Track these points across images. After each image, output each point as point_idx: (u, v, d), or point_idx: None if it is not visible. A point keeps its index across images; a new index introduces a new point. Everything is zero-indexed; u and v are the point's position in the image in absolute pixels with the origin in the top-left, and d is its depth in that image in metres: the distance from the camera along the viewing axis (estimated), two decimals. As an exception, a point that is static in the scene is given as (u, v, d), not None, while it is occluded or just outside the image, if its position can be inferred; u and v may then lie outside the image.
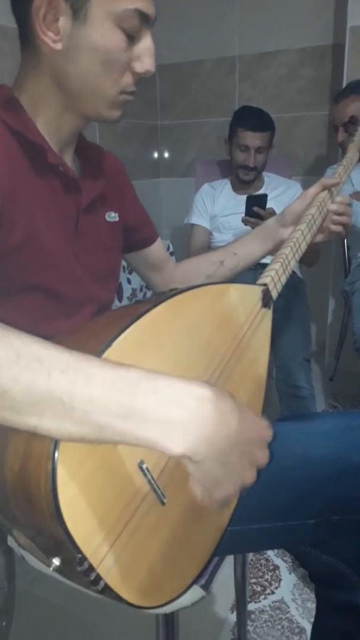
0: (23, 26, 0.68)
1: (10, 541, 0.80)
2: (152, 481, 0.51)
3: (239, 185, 2.15)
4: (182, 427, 0.44)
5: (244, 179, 2.08)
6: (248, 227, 1.84)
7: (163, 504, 0.53)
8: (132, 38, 0.67)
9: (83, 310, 0.79)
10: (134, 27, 0.66)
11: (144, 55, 0.69)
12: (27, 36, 0.68)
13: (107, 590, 0.48)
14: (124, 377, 0.44)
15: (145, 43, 0.69)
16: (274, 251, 0.95)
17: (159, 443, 0.44)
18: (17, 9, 0.68)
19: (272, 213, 1.81)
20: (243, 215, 1.82)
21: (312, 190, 0.94)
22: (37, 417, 0.42)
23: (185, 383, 0.45)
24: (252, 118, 2.00)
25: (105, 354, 0.48)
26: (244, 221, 1.82)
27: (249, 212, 1.80)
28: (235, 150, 2.05)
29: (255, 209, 1.78)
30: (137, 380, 0.44)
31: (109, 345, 0.49)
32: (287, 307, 1.81)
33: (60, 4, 0.63)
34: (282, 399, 1.75)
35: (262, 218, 1.77)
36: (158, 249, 1.01)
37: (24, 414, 0.42)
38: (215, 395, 0.46)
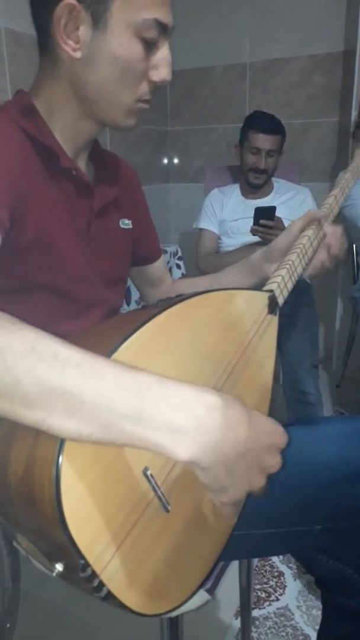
0: (42, 34, 0.69)
1: (16, 542, 0.80)
2: (157, 488, 0.51)
3: (248, 190, 2.16)
4: (190, 434, 0.44)
5: (254, 182, 2.09)
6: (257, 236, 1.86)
7: (167, 510, 0.53)
8: (150, 47, 0.68)
9: (92, 311, 0.80)
10: (152, 36, 0.67)
11: (161, 64, 0.70)
12: (46, 43, 0.69)
13: (110, 597, 0.48)
14: (135, 379, 0.44)
15: (163, 52, 0.69)
16: (259, 285, 0.90)
17: (166, 448, 0.44)
18: (37, 16, 0.69)
19: (280, 222, 1.83)
20: (252, 219, 1.83)
21: (298, 224, 0.89)
22: (46, 411, 0.42)
23: (196, 390, 0.45)
24: (264, 121, 2.03)
25: (112, 359, 0.48)
26: (253, 231, 1.84)
27: (257, 224, 1.81)
28: (246, 153, 2.07)
29: (263, 221, 1.79)
30: (149, 384, 0.44)
31: (114, 350, 0.49)
32: (295, 312, 1.81)
33: (81, 13, 0.64)
34: (289, 405, 1.75)
35: (271, 228, 1.79)
36: (159, 266, 1.01)
37: (34, 406, 0.42)
38: (225, 404, 0.46)
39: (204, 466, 0.45)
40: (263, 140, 2.01)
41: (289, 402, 1.74)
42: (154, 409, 0.43)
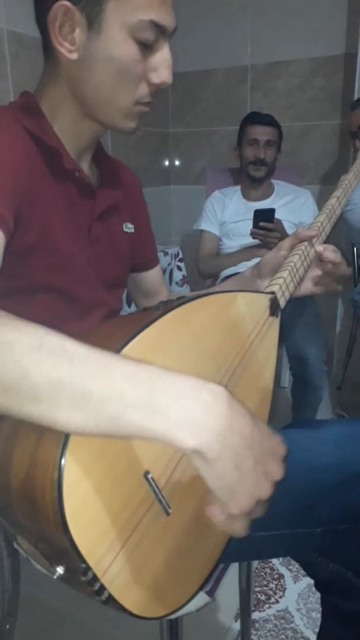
0: (44, 36, 0.69)
1: (16, 544, 0.80)
2: (158, 491, 0.51)
3: (249, 192, 2.17)
4: (197, 420, 0.43)
5: (255, 175, 2.10)
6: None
7: (168, 514, 0.53)
8: (148, 49, 0.67)
9: (94, 313, 0.80)
10: (148, 38, 0.66)
11: (161, 66, 0.69)
12: (47, 46, 0.69)
13: (110, 600, 0.48)
14: (143, 371, 0.44)
15: (162, 54, 0.68)
16: None
17: (173, 435, 0.43)
18: (38, 19, 0.69)
19: (280, 224, 1.83)
20: (252, 221, 1.83)
21: (287, 242, 0.87)
22: (53, 404, 0.42)
23: (201, 379, 0.45)
24: (260, 115, 2.11)
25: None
26: (253, 234, 1.84)
27: (256, 227, 1.82)
28: (245, 148, 2.10)
29: (262, 224, 1.80)
30: (156, 374, 0.44)
31: (118, 352, 0.49)
32: (296, 311, 1.81)
33: (75, 14, 0.64)
34: (292, 368, 1.73)
35: (271, 231, 1.79)
36: (156, 275, 1.01)
37: (41, 400, 0.42)
38: (230, 395, 0.46)
39: (211, 456, 0.44)
40: (260, 132, 2.06)
41: (291, 366, 1.73)
42: (162, 398, 0.43)
